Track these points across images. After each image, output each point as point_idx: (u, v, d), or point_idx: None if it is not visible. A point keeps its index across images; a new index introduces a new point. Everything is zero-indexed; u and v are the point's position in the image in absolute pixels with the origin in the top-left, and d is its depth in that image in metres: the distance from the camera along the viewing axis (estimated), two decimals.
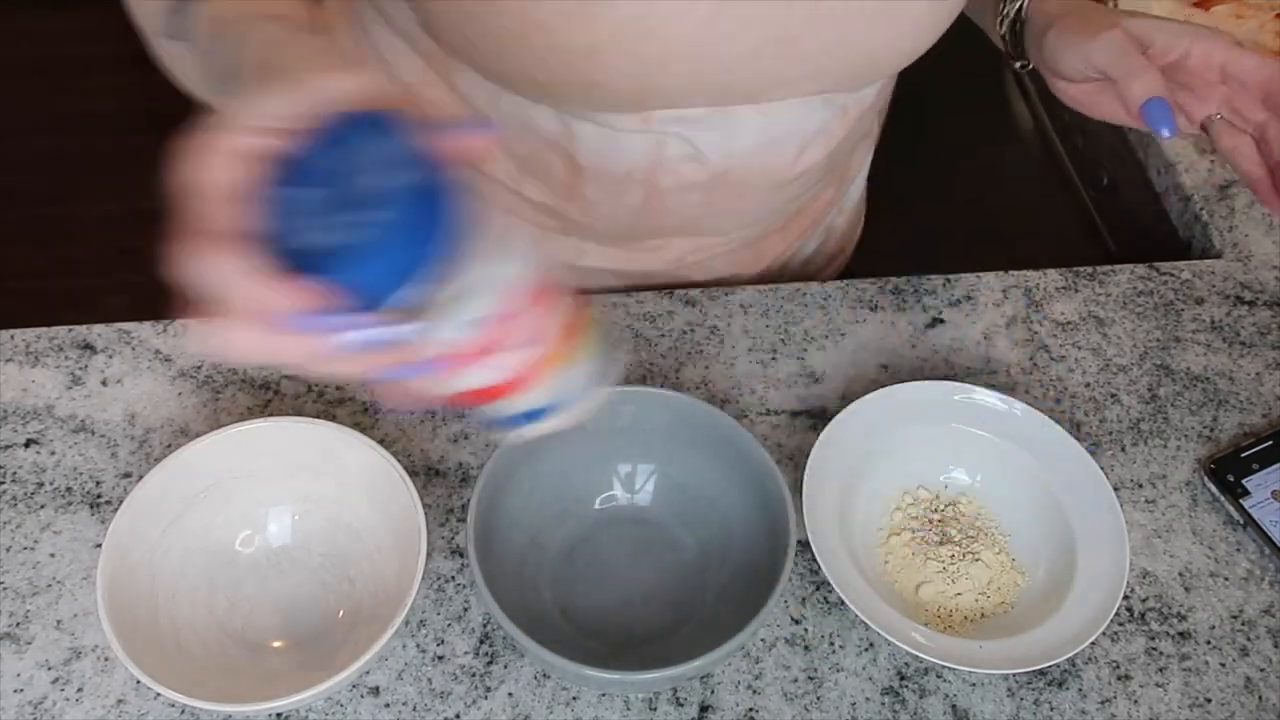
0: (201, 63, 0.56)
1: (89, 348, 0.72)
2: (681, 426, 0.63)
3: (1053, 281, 0.80)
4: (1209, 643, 0.63)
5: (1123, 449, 0.71)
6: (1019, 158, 1.23)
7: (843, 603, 0.62)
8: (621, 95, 0.61)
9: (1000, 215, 1.32)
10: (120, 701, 0.58)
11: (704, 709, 0.60)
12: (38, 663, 0.59)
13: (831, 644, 0.62)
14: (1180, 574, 0.66)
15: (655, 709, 0.60)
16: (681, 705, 0.60)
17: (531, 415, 0.45)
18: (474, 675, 0.60)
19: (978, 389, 0.68)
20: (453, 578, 0.64)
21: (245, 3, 0.53)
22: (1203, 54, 0.61)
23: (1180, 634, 0.64)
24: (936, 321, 0.77)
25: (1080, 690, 0.61)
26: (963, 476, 0.68)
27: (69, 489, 0.66)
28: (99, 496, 0.65)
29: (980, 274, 0.80)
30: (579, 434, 0.63)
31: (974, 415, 0.67)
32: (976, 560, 0.64)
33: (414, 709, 0.59)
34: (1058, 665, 0.62)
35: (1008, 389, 0.73)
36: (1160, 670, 0.62)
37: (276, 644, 0.59)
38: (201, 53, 0.55)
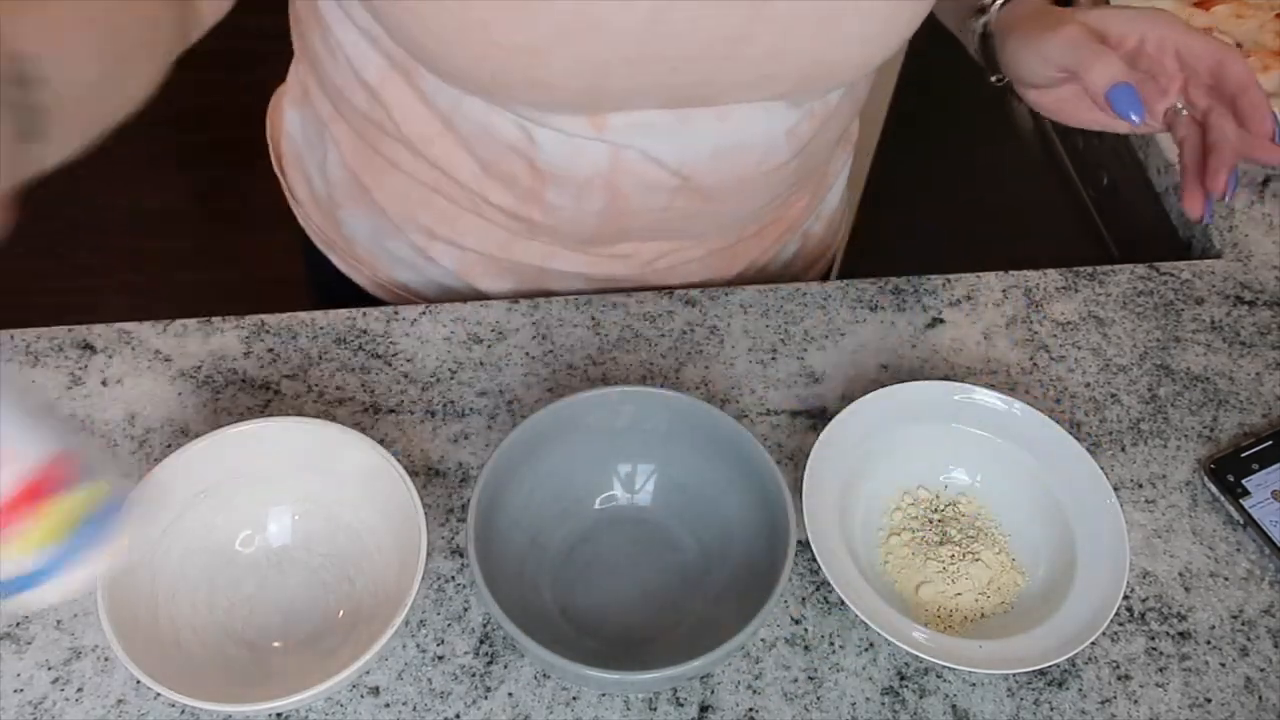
0: None
1: (89, 348, 0.72)
2: (681, 426, 0.63)
3: (1053, 281, 0.80)
4: (1209, 643, 0.63)
5: (1123, 449, 0.71)
6: (1019, 158, 1.23)
7: (843, 603, 0.62)
8: (568, 96, 0.61)
9: (1000, 215, 1.33)
10: (120, 701, 0.58)
11: (704, 709, 0.60)
12: (38, 663, 0.59)
13: (831, 644, 0.62)
14: (1180, 574, 0.66)
15: (655, 709, 0.60)
16: (681, 705, 0.60)
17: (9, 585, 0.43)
18: (474, 675, 0.60)
19: (978, 389, 0.68)
20: (453, 578, 0.64)
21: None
22: (1157, 39, 0.61)
23: (1180, 634, 0.64)
24: (936, 321, 0.77)
25: (1080, 690, 0.61)
26: (963, 476, 0.68)
27: None
28: None
29: (980, 274, 0.80)
30: (579, 434, 0.63)
31: (974, 415, 0.67)
32: (976, 560, 0.64)
33: (414, 709, 0.59)
34: (1058, 665, 0.62)
35: (1008, 389, 0.73)
36: (1160, 670, 0.62)
37: (276, 644, 0.59)
38: None
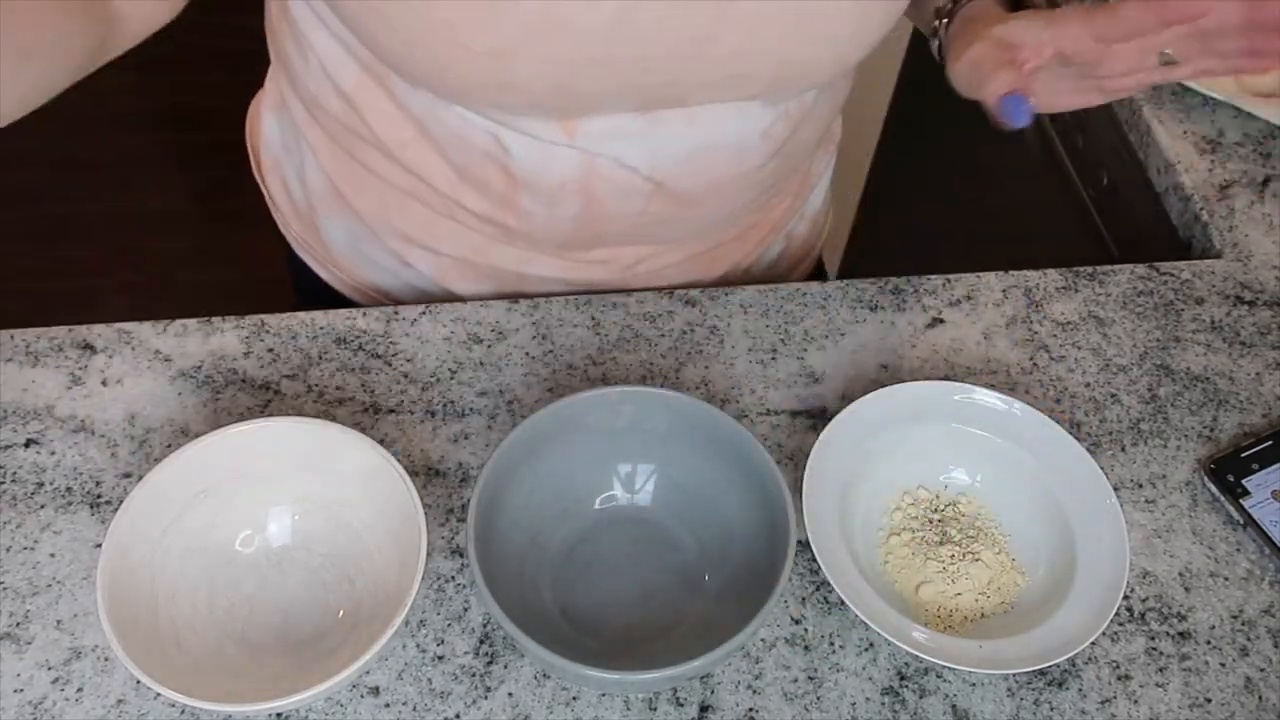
0: None
1: (89, 348, 0.72)
2: (681, 426, 0.63)
3: (1053, 281, 0.80)
4: (1209, 643, 0.63)
5: (1123, 449, 0.71)
6: (1019, 158, 1.23)
7: (843, 603, 0.62)
8: (537, 98, 0.61)
9: (1000, 215, 1.33)
10: (120, 701, 0.58)
11: (704, 709, 0.60)
12: (38, 663, 0.59)
13: (831, 644, 0.62)
14: (1180, 574, 0.66)
15: (655, 709, 0.60)
16: (681, 705, 0.60)
17: None
18: (474, 675, 0.60)
19: (978, 389, 0.68)
20: (453, 578, 0.64)
21: None
22: (1071, 38, 0.60)
23: (1180, 634, 0.64)
24: (936, 321, 0.77)
25: (1080, 690, 0.61)
26: (963, 476, 0.68)
27: (69, 489, 0.66)
28: (99, 496, 0.65)
29: (980, 274, 0.80)
30: (579, 434, 0.63)
31: (974, 415, 0.67)
32: (976, 560, 0.64)
33: (414, 709, 0.59)
34: (1058, 665, 0.62)
35: (1008, 389, 0.73)
36: (1160, 670, 0.62)
37: (276, 644, 0.59)
38: None
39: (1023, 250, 1.26)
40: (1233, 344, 0.77)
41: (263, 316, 0.74)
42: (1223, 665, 0.63)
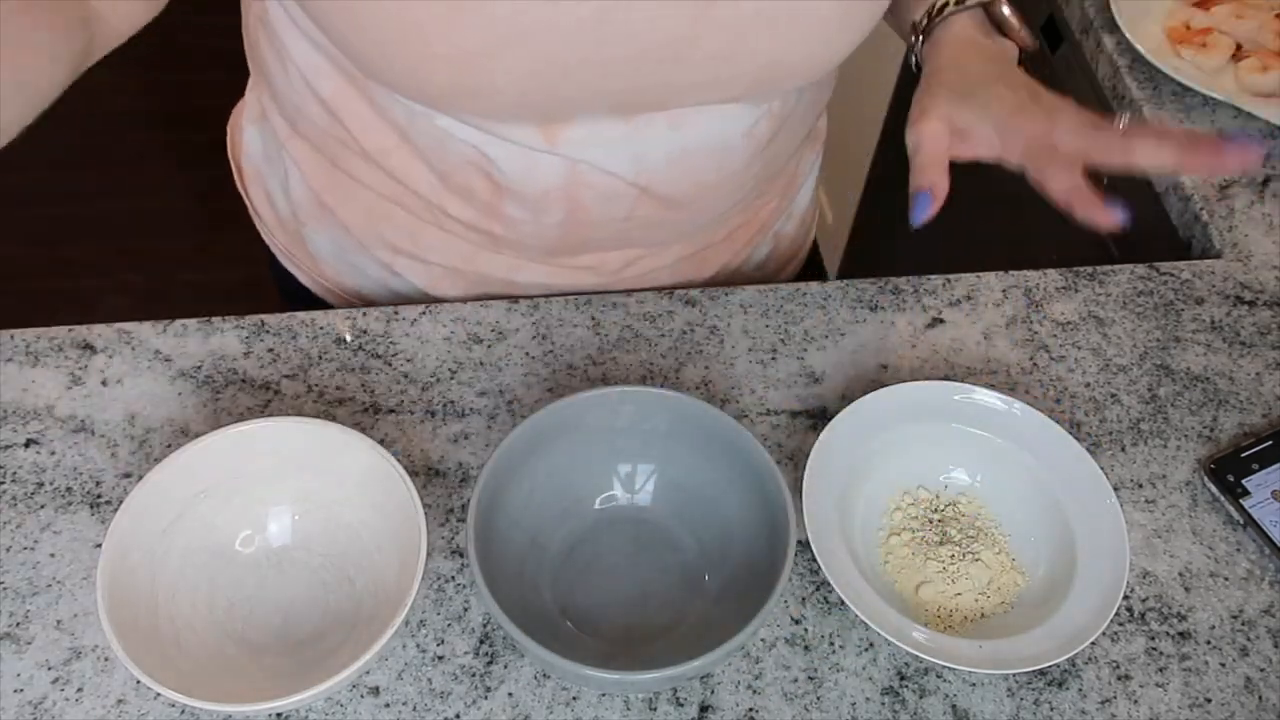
0: None
1: (89, 348, 0.72)
2: (681, 426, 0.63)
3: (1053, 281, 0.80)
4: (1209, 643, 0.63)
5: (1123, 449, 0.71)
6: None
7: (843, 603, 0.62)
8: (514, 104, 0.60)
9: (1000, 215, 1.32)
10: (120, 701, 0.58)
11: (704, 709, 0.60)
12: (38, 663, 0.59)
13: (831, 644, 0.62)
14: (1180, 574, 0.66)
15: (655, 709, 0.60)
16: (681, 705, 0.60)
17: None
18: (474, 675, 0.60)
19: (978, 389, 0.68)
20: (453, 578, 0.64)
21: None
22: (1017, 153, 0.62)
23: (1180, 634, 0.64)
24: (936, 321, 0.77)
25: (1080, 690, 0.61)
26: (963, 476, 0.68)
27: (69, 489, 0.66)
28: (99, 496, 0.65)
29: (980, 274, 0.80)
30: (579, 434, 0.63)
31: (974, 415, 0.67)
32: (976, 560, 0.64)
33: (414, 709, 0.59)
34: (1058, 665, 0.62)
35: (1008, 389, 0.73)
36: (1160, 670, 0.62)
37: (276, 644, 0.59)
38: None
39: (1023, 250, 1.26)
40: (1233, 344, 0.77)
41: (263, 316, 0.74)
42: (1223, 665, 0.63)
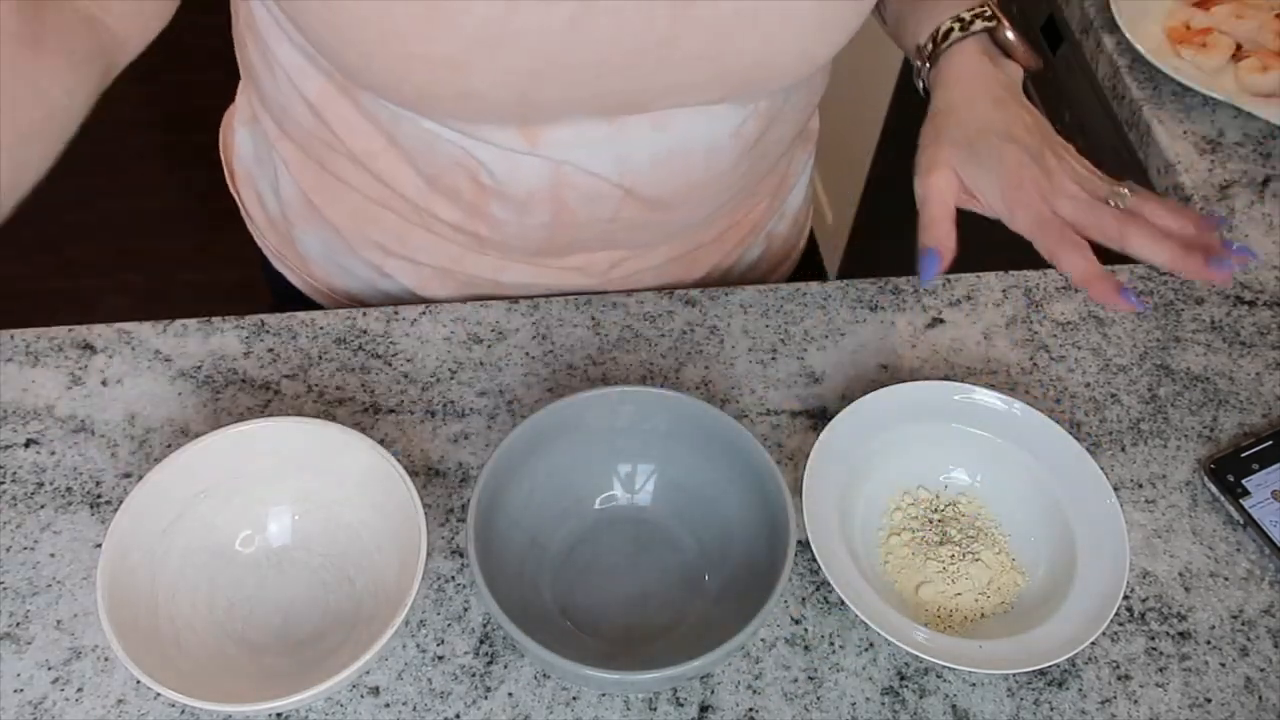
0: None
1: (89, 348, 0.72)
2: (681, 426, 0.63)
3: (1053, 281, 0.80)
4: (1209, 643, 0.63)
5: (1123, 449, 0.71)
6: None
7: (843, 603, 0.62)
8: (495, 107, 0.60)
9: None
10: (120, 701, 0.58)
11: (704, 709, 0.60)
12: (38, 663, 0.59)
13: (831, 644, 0.62)
14: (1180, 574, 0.66)
15: (655, 709, 0.60)
16: (681, 705, 0.60)
17: None
18: (474, 675, 0.60)
19: (978, 389, 0.68)
20: (453, 578, 0.64)
21: None
22: (1018, 204, 0.62)
23: (1180, 634, 0.64)
24: (936, 321, 0.77)
25: (1080, 690, 0.61)
26: (963, 476, 0.68)
27: (69, 489, 0.66)
28: (99, 496, 0.65)
29: (980, 274, 0.80)
30: (579, 434, 0.63)
31: (974, 415, 0.67)
32: (976, 560, 0.64)
33: (414, 709, 0.59)
34: (1058, 665, 0.62)
35: (1008, 389, 0.73)
36: (1160, 670, 0.62)
37: (276, 644, 0.59)
38: None
39: (1023, 250, 1.25)
40: (1233, 344, 0.77)
41: (263, 316, 0.74)
42: (1223, 665, 0.63)
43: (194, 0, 0.65)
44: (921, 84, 0.70)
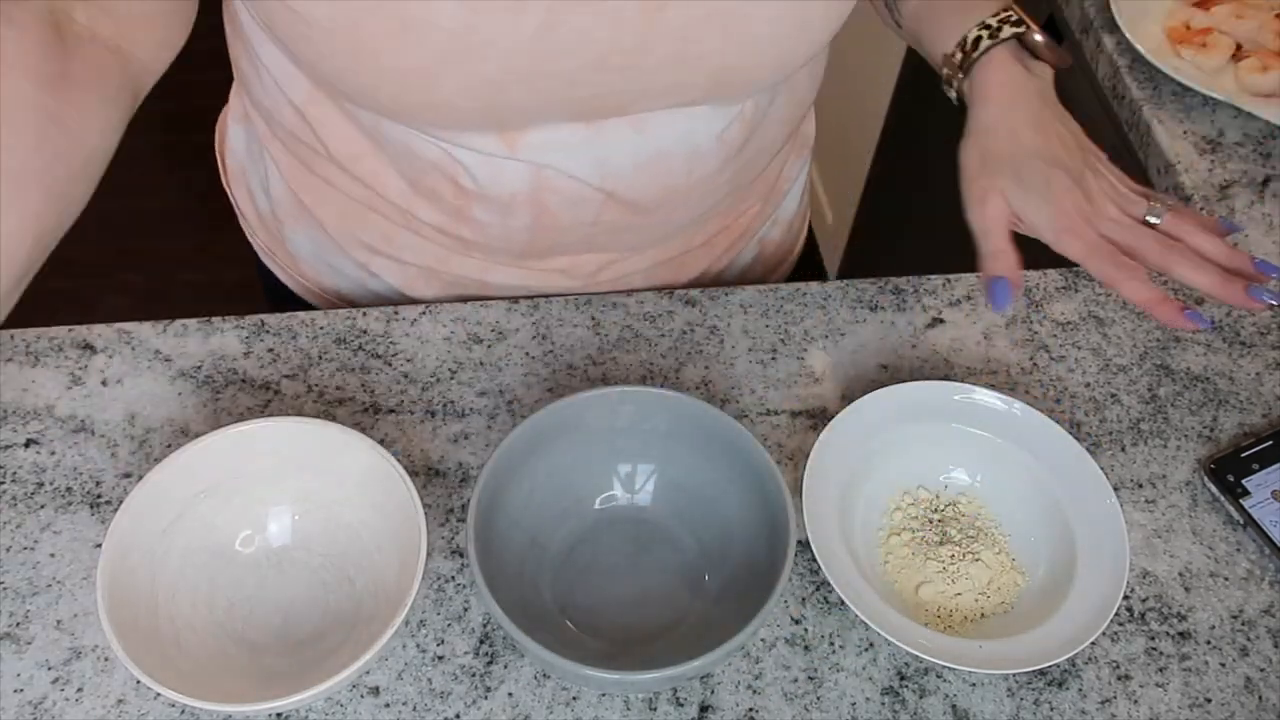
0: None
1: (89, 348, 0.72)
2: (681, 426, 0.63)
3: (1053, 281, 0.80)
4: (1209, 643, 0.63)
5: (1123, 449, 0.71)
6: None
7: (843, 603, 0.62)
8: (468, 116, 0.60)
9: None
10: (120, 701, 0.58)
11: (704, 709, 0.60)
12: (38, 663, 0.59)
13: (831, 644, 0.62)
14: (1180, 574, 0.66)
15: (655, 709, 0.60)
16: (681, 705, 0.60)
17: None
18: (474, 675, 0.60)
19: (978, 389, 0.68)
20: (453, 578, 0.64)
21: None
22: (1067, 237, 0.62)
23: (1180, 634, 0.64)
24: (936, 321, 0.77)
25: (1080, 690, 0.61)
26: (963, 476, 0.68)
27: (69, 489, 0.66)
28: (99, 496, 0.65)
29: (980, 274, 0.80)
30: (579, 434, 0.63)
31: (974, 415, 0.67)
32: (976, 560, 0.64)
33: (414, 709, 0.59)
34: (1058, 665, 0.62)
35: (1008, 389, 0.73)
36: (1160, 670, 0.62)
37: (276, 644, 0.59)
38: None
39: (1023, 250, 1.25)
40: (1233, 344, 0.77)
41: (263, 316, 0.74)
42: (1223, 665, 0.63)
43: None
44: (954, 94, 0.70)
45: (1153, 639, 0.63)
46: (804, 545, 0.63)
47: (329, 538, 0.62)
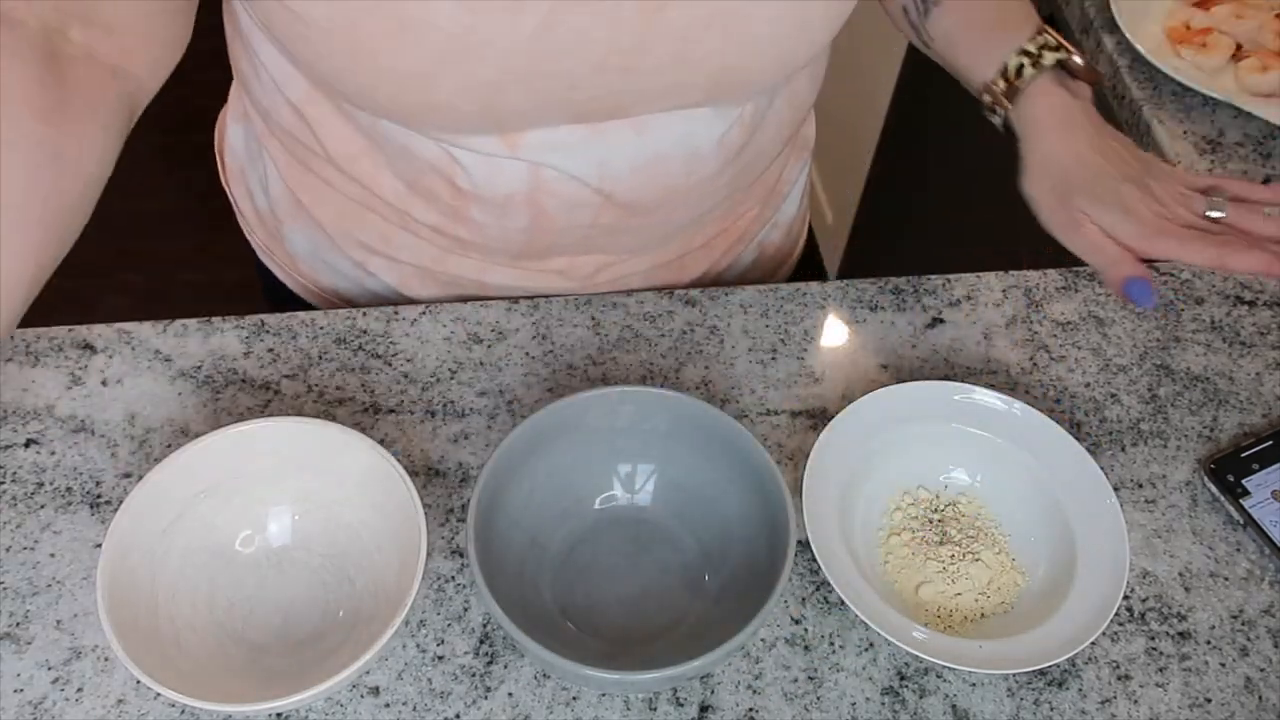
0: None
1: (89, 348, 0.72)
2: (681, 426, 0.63)
3: (1053, 281, 0.80)
4: (1209, 643, 0.63)
5: (1123, 449, 0.71)
6: (1019, 157, 1.22)
7: (843, 603, 0.62)
8: (466, 117, 0.60)
9: (1000, 215, 1.33)
10: (120, 701, 0.58)
11: (704, 709, 0.60)
12: (38, 663, 0.59)
13: (831, 644, 0.62)
14: (1180, 574, 0.66)
15: (655, 709, 0.60)
16: (681, 705, 0.60)
17: None
18: (474, 675, 0.60)
19: (978, 389, 0.68)
20: (453, 578, 0.64)
21: None
22: (1159, 252, 0.62)
23: (1180, 634, 0.64)
24: (936, 321, 0.77)
25: (1080, 690, 0.61)
26: (963, 476, 0.68)
27: (69, 489, 0.66)
28: (99, 496, 0.65)
29: (980, 274, 0.80)
30: (579, 434, 0.63)
31: (974, 415, 0.67)
32: (976, 560, 0.64)
33: (414, 709, 0.59)
34: (1058, 665, 0.62)
35: (1008, 389, 0.73)
36: (1160, 670, 0.62)
37: (276, 644, 0.59)
38: None
39: (1023, 250, 1.26)
40: (1233, 344, 0.77)
41: (263, 316, 0.74)
42: (1223, 665, 0.63)
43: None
44: (999, 121, 0.70)
45: (1153, 639, 0.63)
46: (804, 545, 0.63)
47: (329, 538, 0.62)
